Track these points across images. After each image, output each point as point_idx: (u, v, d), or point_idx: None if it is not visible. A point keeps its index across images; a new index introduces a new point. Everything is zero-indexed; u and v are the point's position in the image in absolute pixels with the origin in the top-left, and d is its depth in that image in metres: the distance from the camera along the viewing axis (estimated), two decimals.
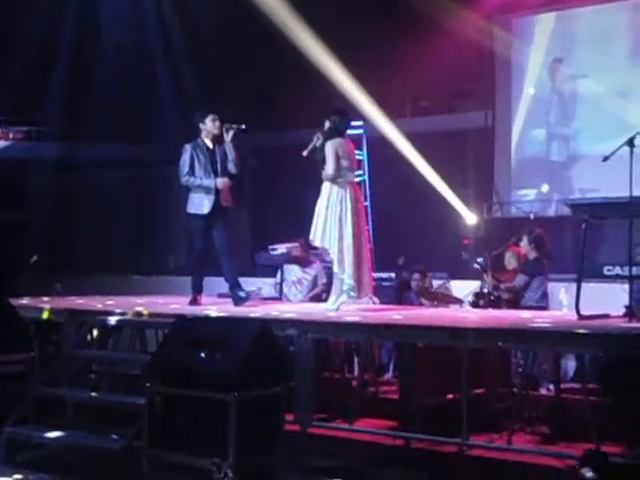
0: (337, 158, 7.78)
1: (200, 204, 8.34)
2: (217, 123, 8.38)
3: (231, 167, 8.41)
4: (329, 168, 7.79)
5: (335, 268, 7.82)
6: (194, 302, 8.47)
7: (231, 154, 8.39)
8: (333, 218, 7.73)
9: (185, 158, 8.35)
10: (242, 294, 8.36)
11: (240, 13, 14.34)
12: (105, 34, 16.04)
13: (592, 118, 13.19)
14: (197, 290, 8.56)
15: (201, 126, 8.43)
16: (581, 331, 5.81)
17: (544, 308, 8.95)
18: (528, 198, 13.64)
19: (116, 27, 15.84)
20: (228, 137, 8.36)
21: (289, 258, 10.37)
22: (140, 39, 16.21)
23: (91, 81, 16.45)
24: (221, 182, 8.33)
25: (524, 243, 9.40)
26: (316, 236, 7.84)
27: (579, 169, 13.26)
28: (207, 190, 8.31)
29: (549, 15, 13.70)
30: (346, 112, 8.28)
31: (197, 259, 8.59)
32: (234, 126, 8.38)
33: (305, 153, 8.00)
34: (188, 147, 8.39)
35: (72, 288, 11.51)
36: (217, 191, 8.33)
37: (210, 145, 8.42)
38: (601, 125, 12.87)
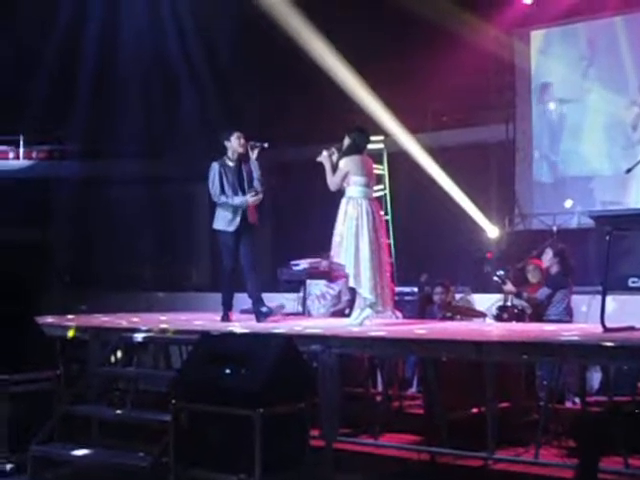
0: (344, 177, 7.83)
1: (228, 220, 8.43)
2: (242, 141, 8.48)
3: (257, 184, 8.49)
4: (332, 182, 7.90)
5: (351, 283, 7.83)
6: (226, 318, 8.53)
7: (256, 172, 8.48)
8: (349, 234, 7.74)
9: (214, 176, 8.44)
10: (264, 309, 8.41)
11: (260, 30, 14.42)
12: (127, 53, 16.16)
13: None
14: (228, 306, 8.61)
15: (227, 144, 8.53)
16: (607, 344, 5.77)
17: (567, 322, 8.90)
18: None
19: (138, 46, 15.97)
20: (253, 155, 8.48)
21: (315, 273, 10.38)
22: (161, 58, 16.34)
23: (113, 99, 16.56)
24: (252, 199, 8.42)
25: (547, 256, 9.37)
26: (334, 252, 7.88)
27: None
28: (235, 208, 8.40)
29: (569, 27, 13.71)
30: (366, 129, 8.31)
31: (227, 275, 8.61)
32: (258, 144, 8.49)
33: (318, 159, 8.05)
34: (216, 165, 8.48)
35: (96, 306, 11.58)
36: (245, 208, 8.43)
37: (236, 163, 8.50)
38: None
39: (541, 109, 14.00)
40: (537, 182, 14.04)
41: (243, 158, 8.53)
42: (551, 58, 13.84)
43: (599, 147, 13.34)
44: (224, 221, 8.44)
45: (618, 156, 12.92)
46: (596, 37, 13.43)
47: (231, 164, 8.50)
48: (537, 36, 14.02)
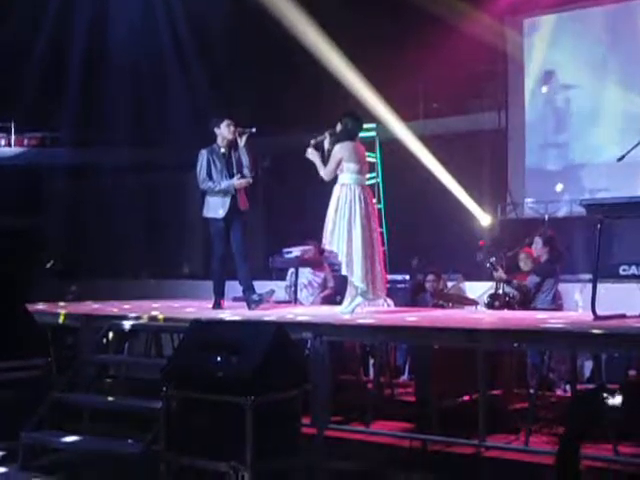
0: (338, 163, 7.80)
1: (217, 207, 8.38)
2: (232, 128, 8.41)
3: (246, 172, 8.44)
4: (326, 172, 7.83)
5: (343, 271, 7.81)
6: (217, 306, 8.50)
7: (245, 158, 8.44)
8: (342, 221, 7.72)
9: (202, 163, 8.39)
10: (255, 297, 8.37)
11: (252, 17, 14.38)
12: (118, 40, 16.11)
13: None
14: (220, 294, 8.57)
15: (216, 131, 8.47)
16: (597, 331, 5.79)
17: (554, 311, 8.93)
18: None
19: (129, 33, 15.91)
20: (242, 142, 8.41)
21: (306, 260, 10.39)
22: (152, 45, 16.27)
23: (104, 87, 16.51)
24: (239, 182, 8.36)
25: (537, 245, 9.40)
26: (326, 239, 7.85)
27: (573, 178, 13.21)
28: (224, 193, 8.36)
29: (560, 15, 13.68)
30: (358, 115, 8.26)
31: (218, 263, 8.55)
32: (246, 130, 8.42)
33: (312, 142, 8.02)
34: (204, 152, 8.43)
35: (87, 293, 11.57)
36: (234, 194, 8.38)
37: (226, 150, 8.46)
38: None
39: (545, 96, 13.82)
40: (540, 169, 13.92)
41: (232, 145, 8.48)
42: (559, 44, 13.64)
43: (609, 135, 13.14)
44: (214, 208, 8.39)
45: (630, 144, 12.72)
46: (613, 22, 13.30)
47: (220, 151, 8.45)
48: (530, 23, 13.97)
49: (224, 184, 8.34)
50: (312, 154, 7.95)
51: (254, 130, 8.41)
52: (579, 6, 13.41)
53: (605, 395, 5.19)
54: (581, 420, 4.86)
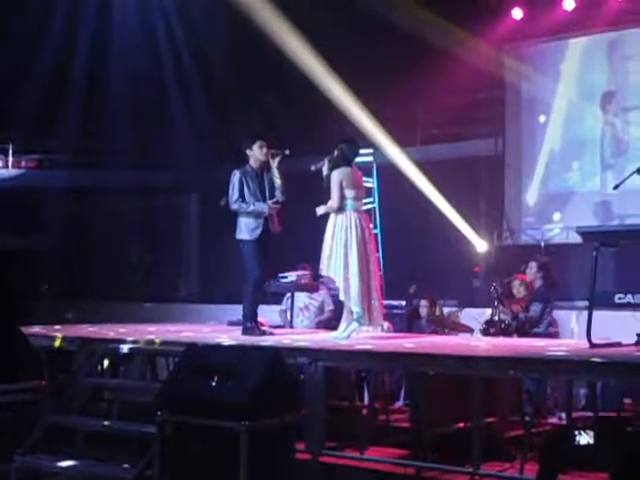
0: (341, 188, 7.82)
1: (251, 229, 8.22)
2: (264, 150, 8.27)
3: (278, 194, 8.30)
4: (333, 201, 7.84)
5: (341, 296, 7.83)
6: (250, 331, 8.25)
7: (278, 180, 8.28)
8: (338, 247, 7.76)
9: (234, 183, 8.23)
10: (255, 333, 8.20)
11: (251, 42, 14.43)
12: (117, 63, 16.15)
13: None
14: (251, 318, 8.35)
15: (248, 152, 8.32)
16: (593, 359, 5.79)
17: (549, 336, 8.93)
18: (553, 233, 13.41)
19: (129, 56, 15.96)
20: (274, 163, 8.26)
21: (302, 285, 10.38)
22: (152, 68, 16.33)
23: (103, 109, 16.54)
24: (274, 206, 8.26)
25: (532, 270, 9.41)
26: (323, 265, 7.88)
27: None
28: (257, 215, 8.24)
29: (561, 43, 13.73)
30: (355, 141, 8.29)
31: (255, 285, 8.33)
32: (279, 152, 8.28)
33: (312, 168, 8.04)
34: (237, 172, 8.27)
35: (84, 316, 11.56)
36: (266, 216, 8.26)
37: (258, 172, 8.34)
38: None
39: (604, 118, 13.58)
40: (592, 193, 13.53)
41: (265, 167, 8.34)
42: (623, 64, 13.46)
43: None
44: (247, 230, 8.24)
45: None
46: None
47: (253, 172, 8.31)
48: (528, 51, 14.00)
49: (256, 206, 8.22)
50: (321, 209, 7.98)
51: (287, 152, 8.29)
52: (577, 34, 13.41)
53: (576, 433, 5.19)
54: (552, 459, 4.87)
